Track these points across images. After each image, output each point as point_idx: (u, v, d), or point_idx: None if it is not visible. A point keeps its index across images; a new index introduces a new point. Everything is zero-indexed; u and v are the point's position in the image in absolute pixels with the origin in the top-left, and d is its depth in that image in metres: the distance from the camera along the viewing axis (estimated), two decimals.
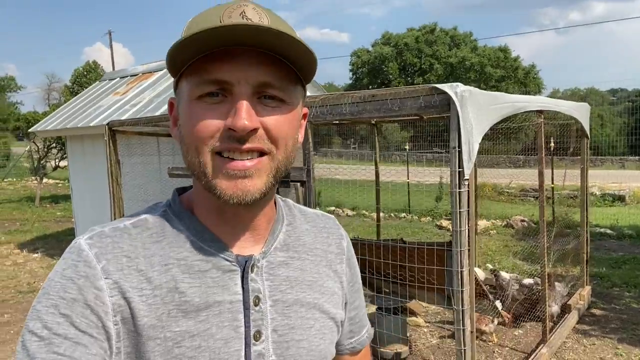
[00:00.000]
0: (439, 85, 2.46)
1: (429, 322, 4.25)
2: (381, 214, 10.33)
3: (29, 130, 8.24)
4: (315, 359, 0.70)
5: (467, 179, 2.44)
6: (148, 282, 0.62)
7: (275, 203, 0.75)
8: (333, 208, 11.04)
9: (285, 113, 0.63)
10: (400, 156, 14.63)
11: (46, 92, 46.65)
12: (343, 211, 10.76)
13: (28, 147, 15.43)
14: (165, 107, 5.19)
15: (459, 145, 2.40)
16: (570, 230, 5.09)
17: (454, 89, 2.41)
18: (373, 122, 5.37)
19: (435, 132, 12.64)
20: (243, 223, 0.68)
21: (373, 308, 3.30)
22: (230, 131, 0.59)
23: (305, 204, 2.93)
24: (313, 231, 0.78)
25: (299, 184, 3.00)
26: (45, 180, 14.31)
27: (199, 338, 0.62)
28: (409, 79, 33.85)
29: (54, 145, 12.51)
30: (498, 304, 3.23)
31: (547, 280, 3.46)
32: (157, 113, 5.21)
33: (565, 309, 4.11)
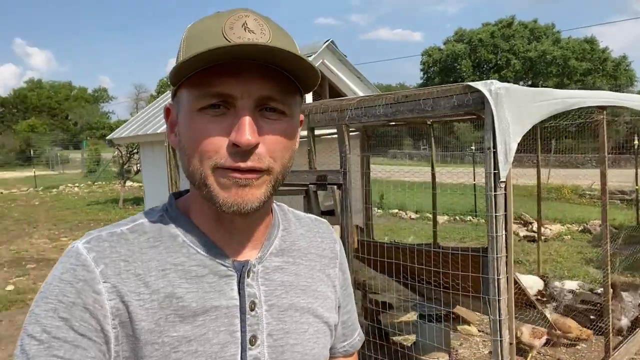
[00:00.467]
0: (472, 84, 2.35)
1: (482, 332, 4.05)
2: (446, 217, 10.06)
3: (107, 137, 8.96)
4: None
5: (504, 181, 2.30)
6: (146, 287, 0.62)
7: (271, 209, 0.76)
8: (396, 210, 10.87)
9: (285, 126, 0.65)
10: (471, 157, 14.07)
11: (134, 101, 50.42)
12: (406, 214, 10.55)
13: (115, 152, 16.75)
14: None
15: (494, 146, 2.28)
16: None
17: (488, 87, 2.29)
18: (429, 122, 5.24)
19: None
20: (240, 229, 0.69)
21: (414, 315, 3.21)
22: (233, 146, 0.60)
23: (342, 207, 2.93)
24: (308, 236, 0.79)
25: (335, 186, 3.00)
26: (128, 183, 15.47)
27: (195, 343, 0.63)
28: (483, 76, 32.54)
29: (135, 150, 13.49)
30: (548, 313, 3.00)
31: (611, 290, 3.17)
32: None
33: (637, 323, 3.73)
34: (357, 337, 0.89)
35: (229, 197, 0.62)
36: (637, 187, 6.71)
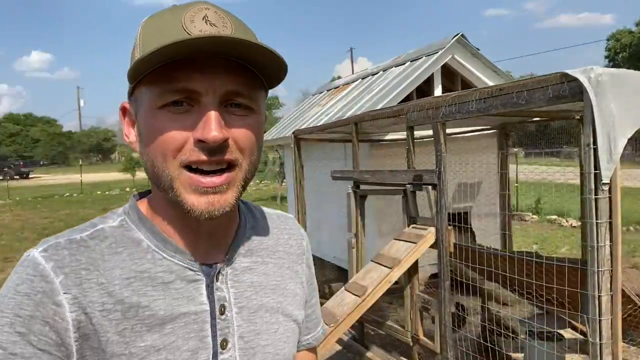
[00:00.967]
0: (569, 71, 2.05)
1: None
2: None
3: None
4: None
5: (607, 183, 1.96)
6: (109, 296, 0.59)
7: (238, 208, 0.75)
8: (554, 217, 9.73)
9: (252, 121, 0.63)
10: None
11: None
12: (567, 221, 9.36)
13: (275, 153, 18.37)
14: (339, 114, 5.60)
15: (594, 142, 1.96)
16: None
17: (587, 74, 1.98)
18: (578, 117, 4.62)
19: None
20: (207, 232, 0.67)
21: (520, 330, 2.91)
22: (200, 143, 0.58)
23: (437, 208, 2.83)
24: (275, 233, 0.79)
25: (430, 187, 2.90)
26: (285, 181, 16.82)
27: (164, 351, 0.61)
28: None
29: None
30: None
31: None
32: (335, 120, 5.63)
33: None
34: (320, 330, 0.89)
35: (199, 204, 0.60)
36: None
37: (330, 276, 5.92)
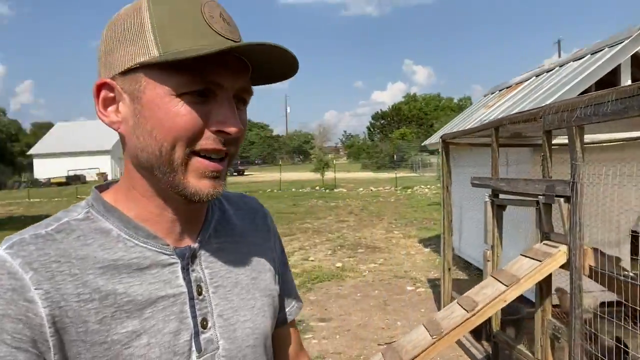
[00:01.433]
0: None
1: None
2: None
3: (422, 143, 9.73)
4: (260, 336, 0.74)
5: None
6: (84, 286, 0.59)
7: None
8: None
9: (245, 117, 0.67)
10: None
11: None
12: None
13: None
14: (501, 115, 5.13)
15: None
16: None
17: None
18: None
19: None
20: (183, 216, 0.68)
21: None
22: (220, 133, 0.61)
23: (570, 224, 2.50)
24: (240, 213, 0.82)
25: (562, 199, 2.56)
26: None
27: (146, 336, 0.61)
28: None
29: None
30: None
31: None
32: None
33: None
34: (295, 304, 0.91)
35: (205, 187, 0.63)
36: None
37: None
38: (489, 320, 3.65)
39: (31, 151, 42.36)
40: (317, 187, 22.63)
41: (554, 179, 2.69)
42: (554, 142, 3.07)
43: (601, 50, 4.90)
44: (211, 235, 0.73)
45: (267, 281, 0.79)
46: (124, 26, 0.61)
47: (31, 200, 21.75)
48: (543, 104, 4.46)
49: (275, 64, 0.64)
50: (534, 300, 3.08)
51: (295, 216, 13.70)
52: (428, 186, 22.28)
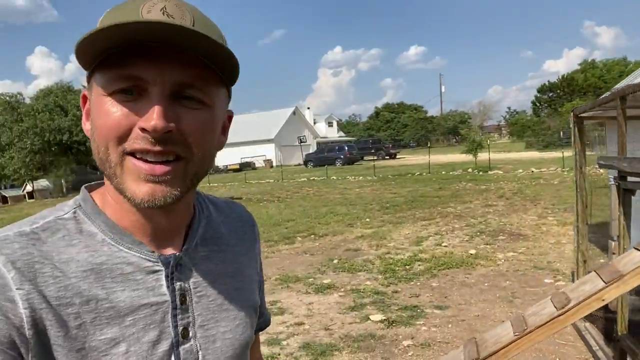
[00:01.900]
0: None
1: None
2: None
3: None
4: (239, 348, 0.73)
5: None
6: (65, 290, 0.58)
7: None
8: None
9: (205, 115, 0.61)
10: None
11: None
12: None
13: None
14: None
15: None
16: None
17: None
18: None
19: None
20: (161, 223, 0.66)
21: None
22: (144, 132, 0.57)
23: None
24: (227, 221, 0.80)
25: None
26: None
27: (124, 344, 0.60)
28: None
29: None
30: None
31: None
32: None
33: None
34: (266, 314, 0.90)
35: (140, 192, 0.59)
36: None
37: None
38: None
39: None
40: (470, 170, 21.47)
41: None
42: None
43: None
44: (197, 243, 0.72)
45: (250, 292, 0.78)
46: None
47: (210, 185, 25.07)
48: None
49: (222, 58, 0.59)
50: None
51: (438, 200, 13.27)
52: None
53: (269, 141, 42.72)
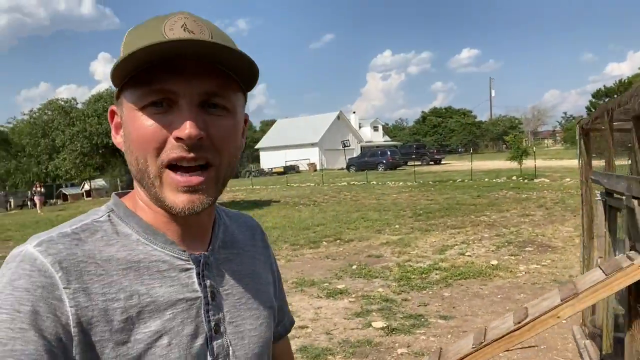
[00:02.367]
0: None
1: None
2: None
3: None
4: (263, 346, 0.76)
5: None
6: (109, 286, 0.61)
7: None
8: None
9: (229, 121, 0.66)
10: None
11: None
12: None
13: None
14: None
15: None
16: None
17: None
18: None
19: None
20: (192, 225, 0.71)
21: None
22: (179, 140, 0.61)
23: None
24: (241, 230, 0.84)
25: (637, 201, 2.07)
26: None
27: (167, 336, 0.63)
28: None
29: None
30: None
31: None
32: None
33: None
34: (287, 320, 0.94)
35: (179, 203, 0.64)
36: None
37: None
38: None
39: (258, 145, 49.61)
40: (514, 177, 20.77)
41: (635, 177, 2.17)
42: None
43: None
44: (220, 245, 0.76)
45: (268, 293, 0.82)
46: None
47: (253, 187, 25.69)
48: None
49: (241, 67, 0.64)
50: None
51: (474, 208, 13.00)
52: None
53: (313, 145, 43.18)
